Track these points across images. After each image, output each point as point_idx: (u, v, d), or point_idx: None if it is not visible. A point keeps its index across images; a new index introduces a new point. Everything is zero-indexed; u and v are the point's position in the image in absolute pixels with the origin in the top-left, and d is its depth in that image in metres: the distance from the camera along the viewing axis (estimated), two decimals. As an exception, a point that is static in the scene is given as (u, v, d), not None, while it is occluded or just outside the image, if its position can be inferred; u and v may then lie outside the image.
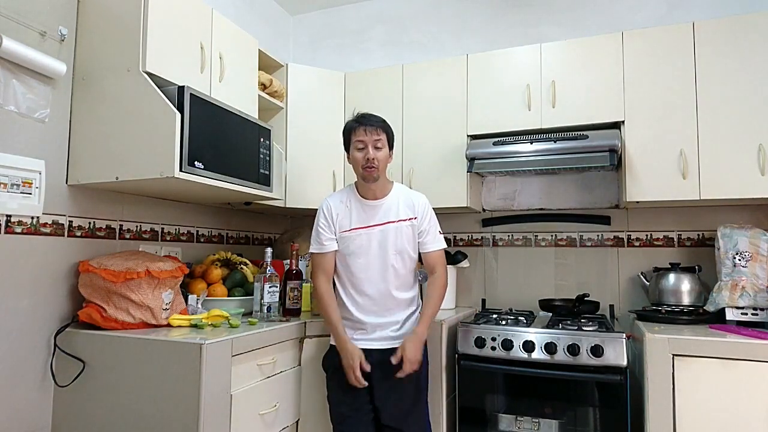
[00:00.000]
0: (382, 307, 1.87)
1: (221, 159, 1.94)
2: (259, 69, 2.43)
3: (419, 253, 1.95)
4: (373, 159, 1.84)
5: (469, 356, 2.13)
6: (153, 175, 1.72)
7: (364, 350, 1.85)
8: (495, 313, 2.52)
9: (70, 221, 1.86)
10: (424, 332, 1.85)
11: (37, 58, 1.69)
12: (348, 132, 1.91)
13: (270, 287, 2.10)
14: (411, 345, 1.79)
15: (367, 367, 1.80)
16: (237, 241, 2.77)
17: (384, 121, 1.92)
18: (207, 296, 2.11)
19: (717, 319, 2.09)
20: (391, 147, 1.93)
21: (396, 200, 1.93)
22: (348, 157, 1.94)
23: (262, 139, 2.21)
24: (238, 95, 2.23)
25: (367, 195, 1.93)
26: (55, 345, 1.76)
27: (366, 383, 1.80)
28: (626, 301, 2.52)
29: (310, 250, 1.96)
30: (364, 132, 1.86)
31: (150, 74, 1.77)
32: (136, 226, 2.13)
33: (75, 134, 1.86)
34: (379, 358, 1.84)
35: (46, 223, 1.78)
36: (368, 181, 1.88)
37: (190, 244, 2.42)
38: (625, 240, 2.56)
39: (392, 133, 1.94)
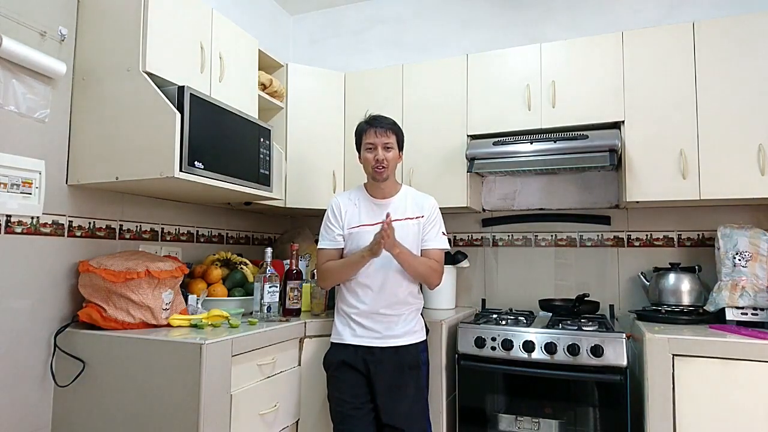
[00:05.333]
0: (385, 304, 1.87)
1: (221, 159, 1.94)
2: (259, 69, 2.43)
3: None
4: (382, 160, 1.90)
5: (469, 356, 2.13)
6: (153, 175, 1.72)
7: (365, 347, 1.85)
8: (495, 313, 2.52)
9: (70, 221, 1.86)
10: (400, 249, 1.80)
11: (37, 58, 1.69)
12: (359, 133, 1.98)
13: (270, 287, 2.10)
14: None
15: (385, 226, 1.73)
16: (237, 241, 2.77)
17: (394, 123, 1.97)
18: (207, 296, 2.11)
19: (717, 319, 2.09)
20: (400, 148, 1.99)
21: (404, 200, 1.98)
22: (359, 157, 1.99)
23: (262, 139, 2.21)
24: (238, 95, 2.23)
25: (376, 194, 1.98)
26: (55, 345, 1.76)
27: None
28: (626, 301, 2.52)
29: (319, 246, 1.99)
30: (375, 134, 1.91)
31: (150, 74, 1.77)
32: (136, 226, 2.13)
33: (75, 134, 1.86)
34: (380, 356, 1.85)
35: (46, 223, 1.78)
36: (378, 180, 1.93)
37: (190, 244, 2.42)
38: (625, 240, 2.56)
39: (402, 134, 2.00)
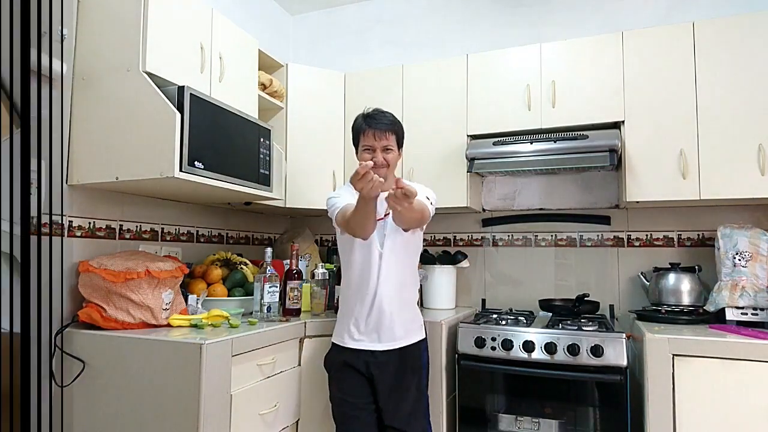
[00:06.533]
0: (386, 304, 1.86)
1: (221, 159, 1.94)
2: (259, 69, 2.43)
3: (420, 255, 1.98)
4: (381, 162, 1.82)
5: (469, 356, 2.13)
6: (153, 175, 1.72)
7: (367, 351, 1.84)
8: (495, 313, 2.52)
9: (70, 221, 1.86)
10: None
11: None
12: (357, 131, 1.89)
13: (270, 287, 2.10)
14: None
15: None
16: (237, 241, 2.77)
17: (394, 121, 1.88)
18: (207, 296, 2.11)
19: (717, 319, 2.09)
20: (400, 146, 1.91)
21: None
22: (356, 153, 1.92)
23: (262, 139, 2.21)
24: (238, 95, 2.23)
25: None
26: (55, 345, 1.76)
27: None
28: (626, 301, 2.52)
29: (336, 216, 1.81)
30: (373, 136, 1.83)
31: (150, 74, 1.77)
32: (136, 226, 2.13)
33: (75, 134, 1.86)
34: (382, 359, 1.84)
35: (46, 223, 1.78)
36: None
37: (190, 244, 2.42)
38: (625, 240, 2.56)
39: (402, 131, 1.91)
